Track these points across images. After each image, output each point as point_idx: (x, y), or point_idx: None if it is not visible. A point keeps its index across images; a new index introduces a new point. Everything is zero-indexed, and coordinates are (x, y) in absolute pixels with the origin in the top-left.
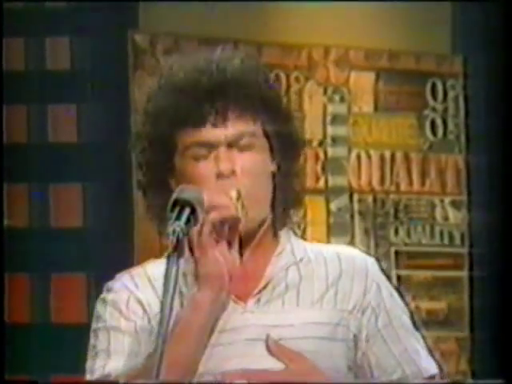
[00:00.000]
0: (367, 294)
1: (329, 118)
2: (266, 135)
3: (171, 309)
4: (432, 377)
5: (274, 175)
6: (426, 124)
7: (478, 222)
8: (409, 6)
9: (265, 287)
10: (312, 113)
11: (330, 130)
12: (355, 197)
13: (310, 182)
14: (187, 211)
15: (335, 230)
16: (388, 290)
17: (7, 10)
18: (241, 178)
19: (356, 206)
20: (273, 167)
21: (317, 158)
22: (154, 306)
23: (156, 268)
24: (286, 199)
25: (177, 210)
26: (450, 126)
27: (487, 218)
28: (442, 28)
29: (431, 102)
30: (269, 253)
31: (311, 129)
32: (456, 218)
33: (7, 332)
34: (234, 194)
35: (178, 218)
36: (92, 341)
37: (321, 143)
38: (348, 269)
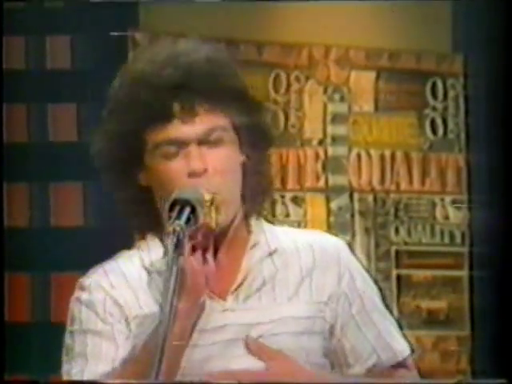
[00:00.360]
0: (341, 282)
1: (329, 117)
2: (235, 128)
3: (171, 308)
4: (405, 359)
5: (242, 164)
6: (426, 123)
7: (479, 221)
8: (409, 5)
9: (242, 282)
10: (312, 112)
11: (330, 129)
12: (355, 196)
13: (310, 181)
14: (187, 211)
15: (335, 229)
16: (360, 273)
17: (8, 9)
18: (213, 176)
19: (356, 206)
20: (242, 158)
21: (317, 157)
22: (132, 307)
23: (130, 263)
24: (255, 187)
25: (177, 209)
26: (451, 125)
27: (488, 217)
28: (443, 27)
29: (431, 101)
30: (243, 245)
31: (311, 128)
32: (456, 217)
33: (7, 331)
34: (207, 198)
35: (179, 217)
36: (68, 342)
37: (321, 142)
38: (321, 258)
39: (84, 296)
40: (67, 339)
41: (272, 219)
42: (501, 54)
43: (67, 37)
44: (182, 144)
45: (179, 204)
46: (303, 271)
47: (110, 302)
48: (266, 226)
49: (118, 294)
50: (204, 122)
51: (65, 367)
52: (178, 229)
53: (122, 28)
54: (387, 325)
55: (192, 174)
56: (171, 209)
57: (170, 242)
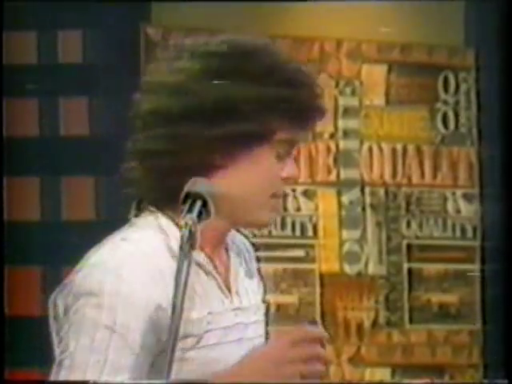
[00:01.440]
0: None
1: (340, 111)
2: None
3: (182, 304)
4: None
5: None
6: (437, 117)
7: (490, 215)
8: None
9: (235, 279)
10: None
11: (342, 122)
12: (367, 190)
13: (321, 175)
14: (199, 204)
15: (347, 222)
16: None
17: (20, 4)
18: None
19: (368, 199)
20: None
21: (328, 150)
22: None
23: (150, 247)
24: None
25: (189, 202)
26: (462, 119)
27: (499, 211)
28: (455, 21)
29: (443, 94)
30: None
31: (323, 121)
32: (468, 210)
33: (17, 326)
34: None
35: (190, 210)
36: (91, 331)
37: (332, 136)
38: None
39: (125, 287)
40: (86, 326)
41: (283, 213)
42: None
43: (79, 31)
44: (291, 147)
45: (191, 197)
46: (247, 262)
47: (153, 308)
48: None
49: (158, 296)
50: None
51: (89, 357)
52: (189, 222)
53: (135, 23)
54: None
55: (289, 179)
56: (184, 202)
57: (182, 235)
